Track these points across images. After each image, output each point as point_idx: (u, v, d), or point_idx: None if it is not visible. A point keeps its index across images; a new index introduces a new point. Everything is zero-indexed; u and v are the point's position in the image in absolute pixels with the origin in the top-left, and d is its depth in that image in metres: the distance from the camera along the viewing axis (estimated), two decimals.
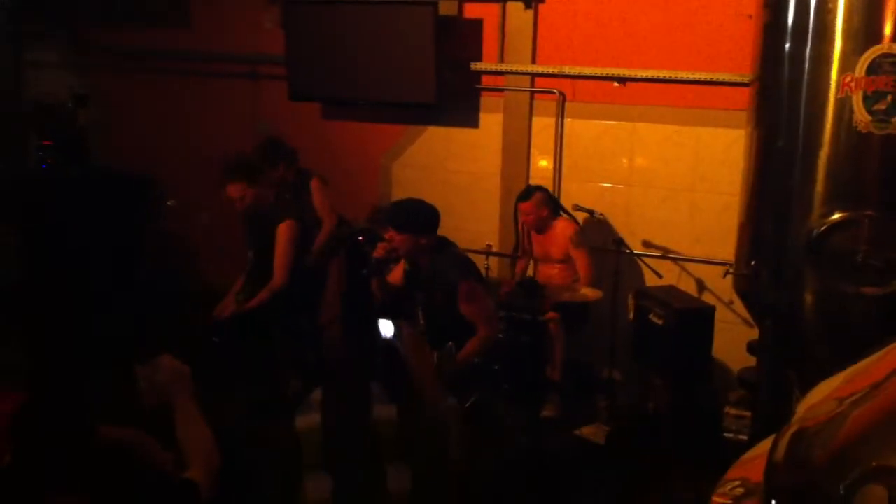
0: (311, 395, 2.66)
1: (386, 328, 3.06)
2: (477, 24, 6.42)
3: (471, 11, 6.44)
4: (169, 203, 6.55)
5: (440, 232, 4.83)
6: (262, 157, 5.87)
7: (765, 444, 1.29)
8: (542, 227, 5.95)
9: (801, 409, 1.16)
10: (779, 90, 4.32)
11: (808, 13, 4.13)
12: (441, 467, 2.75)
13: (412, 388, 2.86)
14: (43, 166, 6.25)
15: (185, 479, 2.49)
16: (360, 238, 5.58)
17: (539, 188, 5.98)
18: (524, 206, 5.89)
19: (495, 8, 6.31)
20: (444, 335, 4.36)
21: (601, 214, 6.05)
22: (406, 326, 3.09)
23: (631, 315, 5.77)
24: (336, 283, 5.36)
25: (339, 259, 5.49)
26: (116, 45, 7.42)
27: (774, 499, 1.07)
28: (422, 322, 4.63)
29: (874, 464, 0.92)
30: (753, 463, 1.33)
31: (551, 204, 5.97)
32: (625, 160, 6.20)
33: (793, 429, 1.12)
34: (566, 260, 5.89)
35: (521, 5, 6.21)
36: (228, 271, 6.51)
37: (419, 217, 4.70)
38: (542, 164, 6.40)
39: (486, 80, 6.51)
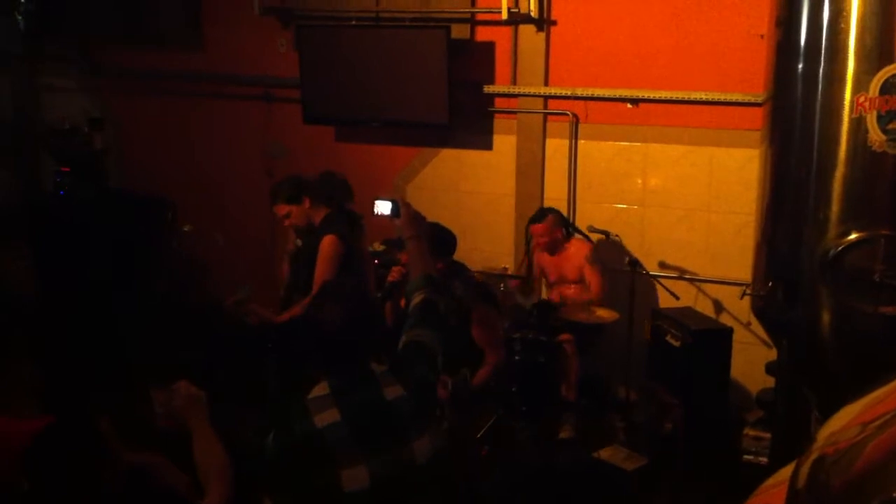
0: (315, 391, 2.65)
1: (383, 207, 3.03)
2: (489, 46, 6.45)
3: (483, 34, 6.47)
4: (186, 228, 6.58)
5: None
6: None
7: (785, 471, 1.28)
8: (556, 248, 5.95)
9: (823, 435, 1.15)
10: (792, 110, 4.31)
11: (821, 33, 4.13)
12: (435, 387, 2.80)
13: (408, 361, 2.85)
14: (61, 192, 6.29)
15: None
16: (376, 261, 5.59)
17: (551, 210, 5.98)
18: (537, 228, 5.88)
19: (507, 31, 6.34)
20: (456, 358, 4.37)
21: (616, 235, 6.05)
22: (404, 204, 3.06)
23: (647, 336, 5.75)
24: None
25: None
26: (131, 68, 7.48)
27: None
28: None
29: (894, 494, 0.92)
30: (775, 490, 1.32)
31: (564, 225, 5.97)
32: (639, 181, 6.21)
33: (813, 456, 1.11)
34: (581, 280, 5.89)
35: (533, 28, 6.24)
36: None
37: (436, 241, 4.70)
38: (557, 185, 6.40)
39: (499, 103, 6.53)
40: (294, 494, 2.52)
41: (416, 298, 2.96)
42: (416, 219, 3.07)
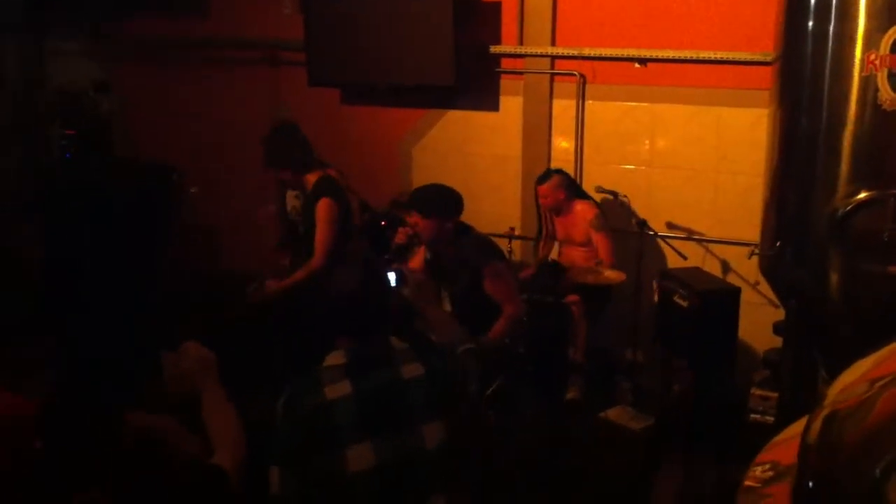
0: (330, 359, 2.61)
1: (389, 279, 3.03)
2: (496, 6, 6.40)
3: None
4: (192, 190, 6.58)
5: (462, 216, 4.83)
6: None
7: (795, 427, 1.28)
8: (561, 209, 5.94)
9: (834, 390, 1.15)
10: (802, 69, 4.28)
11: None
12: (467, 412, 2.75)
13: (429, 340, 2.85)
14: (66, 155, 6.28)
15: (213, 466, 2.49)
16: (383, 223, 5.59)
17: (557, 171, 5.97)
18: (541, 188, 5.89)
19: None
20: (472, 318, 4.38)
21: (624, 196, 6.03)
22: (410, 272, 3.07)
23: (655, 297, 5.76)
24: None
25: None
26: (137, 35, 7.44)
27: (809, 481, 1.07)
28: (449, 307, 4.64)
29: None
30: (783, 446, 1.32)
31: (570, 186, 5.95)
32: (646, 142, 6.18)
33: (825, 411, 1.11)
34: (587, 243, 5.88)
35: None
36: (252, 256, 6.56)
37: (444, 201, 4.69)
38: (563, 146, 6.38)
39: (506, 63, 6.49)
40: (301, 468, 2.50)
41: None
42: (422, 285, 3.07)
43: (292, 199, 5.64)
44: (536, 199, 6.05)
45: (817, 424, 1.08)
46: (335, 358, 2.58)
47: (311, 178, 5.17)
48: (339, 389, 2.50)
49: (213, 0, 7.29)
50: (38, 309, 5.68)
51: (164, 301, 5.99)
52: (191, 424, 2.74)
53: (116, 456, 2.34)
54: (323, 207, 5.06)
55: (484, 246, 4.78)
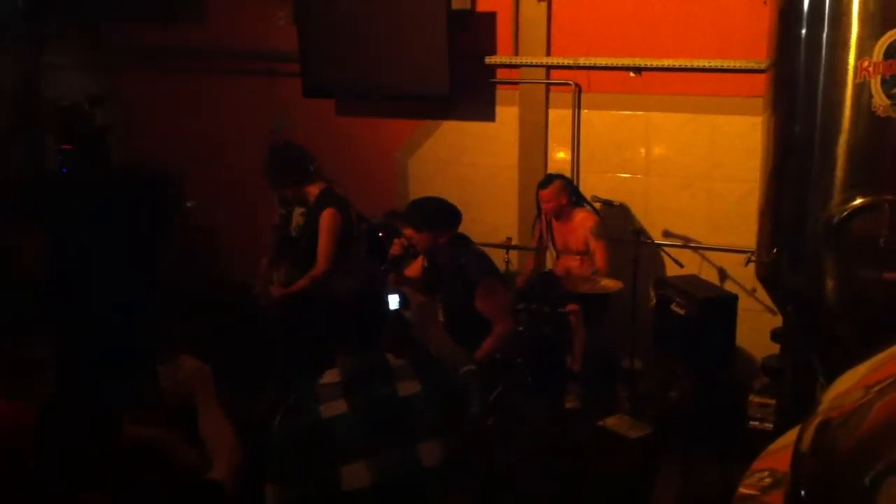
0: (326, 377, 2.59)
1: (392, 301, 3.00)
2: (490, 16, 6.41)
3: (484, 4, 6.43)
4: (189, 204, 6.58)
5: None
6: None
7: (791, 434, 1.28)
8: (562, 214, 5.94)
9: (827, 398, 1.15)
10: (795, 76, 4.29)
11: None
12: (468, 433, 2.72)
13: (429, 357, 2.83)
14: (63, 171, 6.27)
15: (209, 481, 2.49)
16: (380, 234, 5.60)
17: (560, 176, 5.98)
18: (544, 193, 5.89)
19: (509, 0, 6.29)
20: (464, 331, 4.37)
21: (620, 205, 6.03)
22: (412, 294, 3.05)
23: (652, 305, 5.76)
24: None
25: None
26: (133, 44, 7.44)
27: (802, 489, 1.07)
28: (441, 319, 4.64)
29: None
30: (781, 453, 1.32)
31: (572, 192, 5.96)
32: (642, 150, 6.19)
33: (818, 418, 1.11)
34: (585, 251, 5.88)
35: None
36: (248, 265, 6.55)
37: (438, 215, 4.71)
38: (560, 155, 6.39)
39: (501, 73, 6.50)
40: (296, 486, 2.47)
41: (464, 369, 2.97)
42: (425, 306, 3.07)
43: (298, 217, 5.65)
44: (538, 205, 6.04)
45: (810, 433, 1.08)
46: (332, 375, 2.55)
47: (314, 190, 5.30)
48: (336, 407, 2.47)
49: (209, 11, 7.29)
50: (38, 309, 5.67)
51: (164, 301, 5.99)
52: (187, 436, 2.74)
53: (116, 456, 2.35)
54: (327, 217, 5.20)
55: (480, 261, 4.77)
